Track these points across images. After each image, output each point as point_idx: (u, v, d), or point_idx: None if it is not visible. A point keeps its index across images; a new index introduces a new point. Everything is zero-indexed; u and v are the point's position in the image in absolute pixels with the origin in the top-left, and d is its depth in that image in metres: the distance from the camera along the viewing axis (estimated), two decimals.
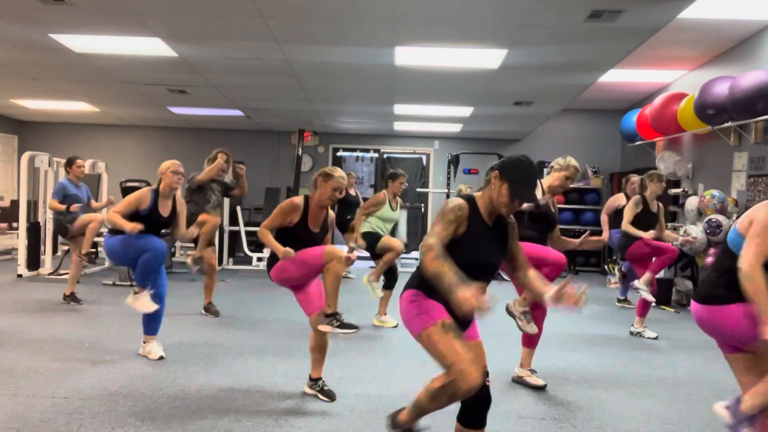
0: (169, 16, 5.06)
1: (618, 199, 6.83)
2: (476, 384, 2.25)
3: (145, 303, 4.24)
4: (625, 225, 5.45)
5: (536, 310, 3.86)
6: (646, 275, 5.42)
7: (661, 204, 5.62)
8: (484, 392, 2.37)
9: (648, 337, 5.52)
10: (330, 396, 3.58)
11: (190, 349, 4.66)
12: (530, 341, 4.00)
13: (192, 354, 4.52)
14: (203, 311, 5.91)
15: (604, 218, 7.00)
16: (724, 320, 2.43)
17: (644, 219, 5.44)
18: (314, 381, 3.65)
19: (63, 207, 6.21)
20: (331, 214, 3.77)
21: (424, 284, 2.39)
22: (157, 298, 4.29)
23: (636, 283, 5.49)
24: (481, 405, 2.39)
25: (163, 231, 4.53)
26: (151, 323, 4.37)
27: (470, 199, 2.44)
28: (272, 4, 4.71)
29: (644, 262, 5.52)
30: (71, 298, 6.17)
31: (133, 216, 4.22)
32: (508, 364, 4.47)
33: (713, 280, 2.53)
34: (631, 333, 5.64)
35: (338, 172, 3.55)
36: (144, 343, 4.41)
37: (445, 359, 2.29)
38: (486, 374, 2.37)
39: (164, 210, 4.40)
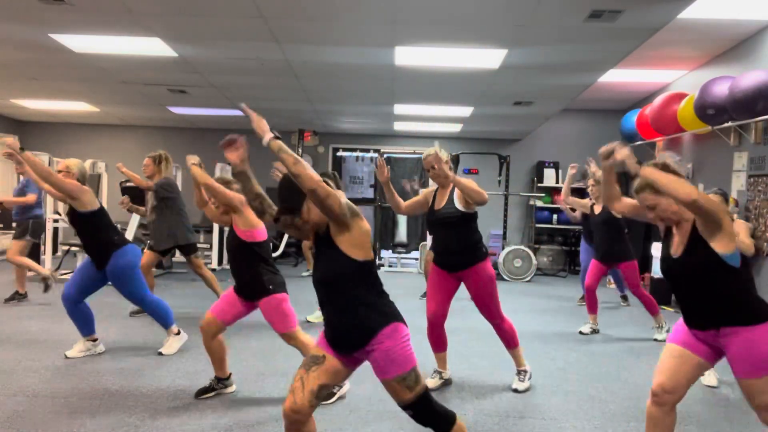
0: (169, 16, 5.06)
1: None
2: (286, 412, 2.31)
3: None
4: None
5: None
6: (656, 317, 5.55)
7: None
8: (406, 406, 2.31)
9: (657, 339, 5.50)
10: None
11: (190, 349, 4.67)
12: (509, 343, 3.95)
13: (192, 354, 4.53)
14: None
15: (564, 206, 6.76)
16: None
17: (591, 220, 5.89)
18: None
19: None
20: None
21: None
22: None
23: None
24: (415, 415, 2.34)
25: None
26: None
27: None
28: (272, 4, 4.71)
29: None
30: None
31: None
32: (508, 365, 4.48)
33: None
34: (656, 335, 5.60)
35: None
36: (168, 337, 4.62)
37: None
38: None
39: None
